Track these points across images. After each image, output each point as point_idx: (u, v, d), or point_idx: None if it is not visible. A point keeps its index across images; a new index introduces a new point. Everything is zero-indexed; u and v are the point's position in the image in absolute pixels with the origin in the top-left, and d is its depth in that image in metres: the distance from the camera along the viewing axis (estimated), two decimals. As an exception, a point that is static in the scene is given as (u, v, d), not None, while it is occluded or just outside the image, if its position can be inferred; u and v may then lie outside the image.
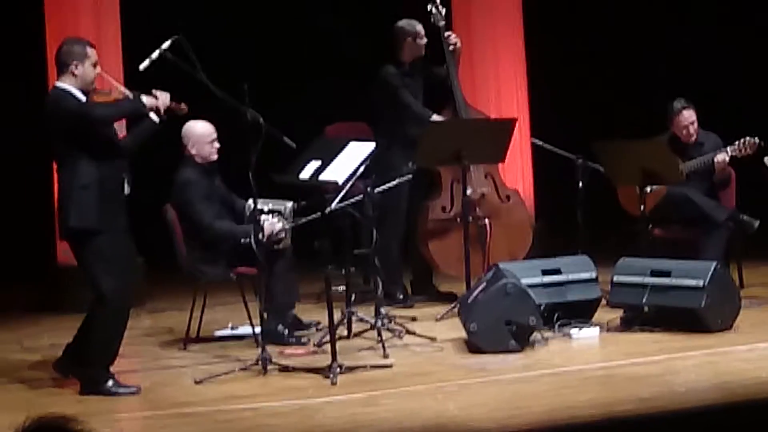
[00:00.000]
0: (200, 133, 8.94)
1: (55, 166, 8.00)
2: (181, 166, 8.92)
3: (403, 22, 10.22)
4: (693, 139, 10.17)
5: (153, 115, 7.76)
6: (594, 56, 13.24)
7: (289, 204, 8.77)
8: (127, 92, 7.89)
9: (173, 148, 8.79)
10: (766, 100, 12.34)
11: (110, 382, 7.72)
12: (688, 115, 10.17)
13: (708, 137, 10.22)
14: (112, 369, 7.80)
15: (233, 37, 11.26)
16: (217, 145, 8.95)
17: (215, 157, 8.97)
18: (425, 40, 10.20)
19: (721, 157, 9.98)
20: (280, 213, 8.71)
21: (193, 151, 8.94)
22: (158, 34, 8.15)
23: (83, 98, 7.68)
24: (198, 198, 8.84)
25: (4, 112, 11.23)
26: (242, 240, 8.56)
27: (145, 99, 7.68)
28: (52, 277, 10.41)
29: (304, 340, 8.90)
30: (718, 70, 13.02)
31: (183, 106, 7.98)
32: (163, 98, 7.83)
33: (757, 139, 9.86)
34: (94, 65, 7.76)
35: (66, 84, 7.70)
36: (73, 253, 7.91)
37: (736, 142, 9.94)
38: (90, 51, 7.77)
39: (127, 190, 7.81)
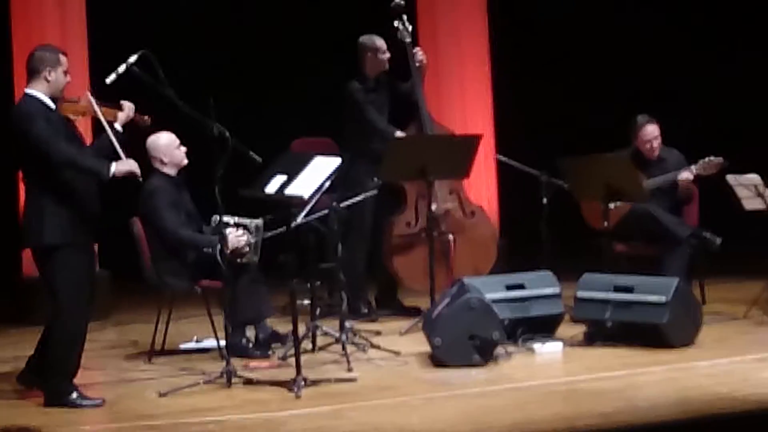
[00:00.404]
0: (167, 142, 9.02)
1: (21, 176, 7.99)
2: (149, 177, 8.93)
3: (364, 38, 10.27)
4: (656, 154, 10.24)
5: (117, 126, 7.80)
6: (560, 72, 13.30)
7: (258, 221, 8.78)
8: (95, 103, 7.89)
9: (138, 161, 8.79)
10: (732, 118, 12.39)
11: (74, 394, 7.71)
12: (652, 130, 10.22)
13: (670, 153, 10.28)
14: (76, 381, 7.78)
15: (200, 51, 11.24)
16: (183, 149, 9.00)
17: (186, 161, 9.03)
18: (388, 54, 10.24)
19: (686, 175, 10.03)
20: (245, 227, 8.72)
21: (166, 160, 9.00)
22: (125, 47, 8.16)
23: (53, 105, 7.68)
24: (164, 205, 8.86)
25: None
26: (205, 249, 8.58)
27: (113, 167, 7.65)
28: (18, 290, 10.37)
29: (270, 352, 8.93)
30: (684, 87, 13.08)
31: (146, 118, 8.01)
32: (128, 109, 7.86)
33: (721, 159, 9.92)
34: (65, 73, 7.77)
35: (36, 90, 7.69)
36: (37, 265, 7.88)
37: (701, 161, 9.99)
38: (62, 58, 7.79)
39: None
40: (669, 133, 10.35)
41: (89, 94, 8.00)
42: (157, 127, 8.29)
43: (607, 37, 13.52)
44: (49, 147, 7.55)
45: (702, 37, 13.64)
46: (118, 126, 7.81)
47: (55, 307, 7.71)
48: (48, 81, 7.71)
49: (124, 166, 7.64)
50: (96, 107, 7.89)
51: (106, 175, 7.61)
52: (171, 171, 9.03)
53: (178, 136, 8.99)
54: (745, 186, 9.67)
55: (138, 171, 7.74)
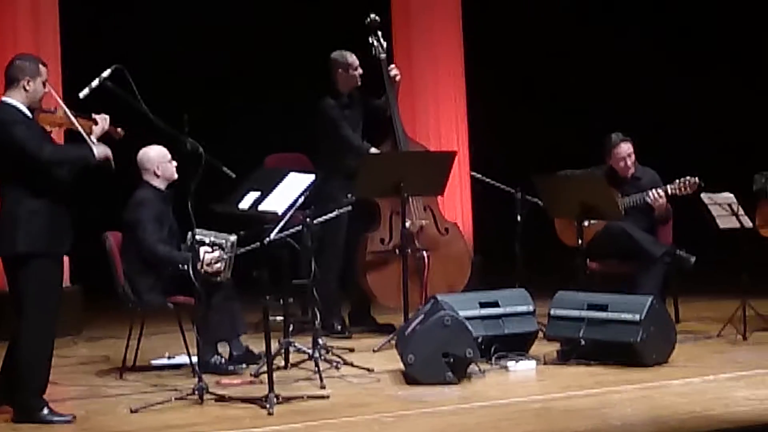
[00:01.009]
0: (160, 154, 9.04)
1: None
2: (138, 189, 8.96)
3: (335, 54, 10.29)
4: (630, 172, 10.27)
5: (93, 138, 7.80)
6: (534, 89, 13.35)
7: (232, 237, 8.77)
8: (71, 115, 7.88)
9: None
10: (707, 138, 12.47)
11: (45, 410, 7.65)
12: (626, 148, 10.26)
13: (645, 172, 10.32)
14: (45, 397, 7.72)
15: (174, 66, 11.21)
16: (174, 163, 9.01)
17: (176, 175, 9.01)
18: (360, 70, 10.26)
19: (655, 194, 10.05)
20: (221, 246, 8.71)
21: (159, 173, 9.00)
22: (98, 61, 8.16)
23: (30, 114, 7.68)
24: (149, 218, 8.86)
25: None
26: (180, 266, 8.57)
27: (96, 150, 7.69)
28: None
29: (240, 369, 8.92)
30: (658, 106, 13.15)
31: (119, 130, 7.99)
32: (102, 122, 7.85)
33: (697, 179, 9.95)
34: (44, 84, 7.77)
35: (14, 99, 7.67)
36: (7, 275, 7.87)
37: (677, 181, 10.03)
38: (42, 69, 7.78)
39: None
40: (644, 153, 10.39)
41: (64, 106, 8.00)
42: (129, 141, 8.25)
43: (580, 55, 13.65)
44: (35, 147, 7.55)
45: (674, 59, 13.77)
46: (93, 138, 7.81)
47: (24, 319, 7.70)
48: (27, 90, 7.69)
49: (104, 149, 7.68)
50: (72, 119, 7.89)
51: (94, 158, 7.64)
52: (161, 185, 9.04)
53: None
54: (720, 205, 9.70)
55: (111, 159, 7.75)
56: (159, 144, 8.92)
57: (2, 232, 7.69)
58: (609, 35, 13.78)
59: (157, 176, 9.01)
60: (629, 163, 10.25)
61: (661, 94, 13.52)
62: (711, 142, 13.02)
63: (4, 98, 7.74)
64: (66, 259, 8.49)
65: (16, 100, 7.68)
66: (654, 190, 10.07)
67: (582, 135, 11.10)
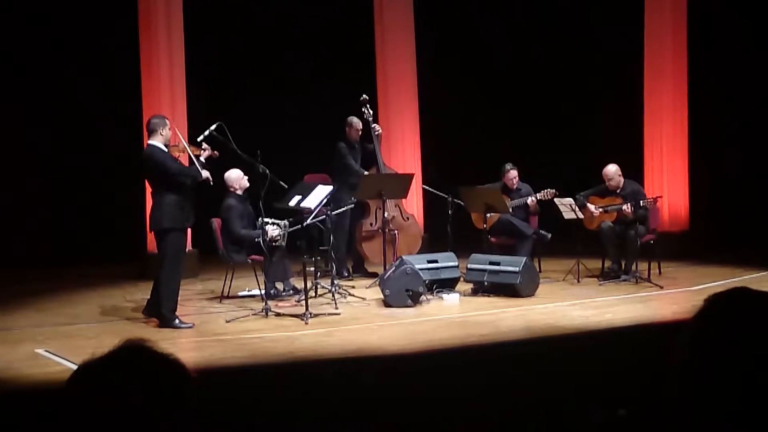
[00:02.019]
0: (238, 176, 9.01)
1: (149, 190, 8.05)
2: (226, 197, 8.97)
3: (349, 118, 10.27)
4: (515, 186, 10.24)
5: (202, 159, 7.84)
6: (465, 130, 13.03)
7: (285, 221, 8.80)
8: (187, 145, 7.89)
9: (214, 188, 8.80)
10: (568, 158, 12.22)
11: (176, 320, 7.75)
12: (514, 174, 10.17)
13: (524, 186, 10.22)
14: (177, 312, 7.81)
15: (251, 122, 11.09)
16: (246, 178, 9.00)
17: (247, 185, 8.99)
18: (360, 128, 10.26)
19: (531, 200, 10.05)
20: (279, 226, 8.75)
21: (236, 186, 8.98)
22: (209, 116, 8.21)
23: (165, 149, 7.73)
24: (233, 216, 8.87)
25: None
26: (255, 240, 8.62)
27: (203, 172, 7.74)
28: (144, 259, 10.35)
29: (289, 297, 8.90)
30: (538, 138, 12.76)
31: (216, 152, 8.01)
32: (207, 150, 7.90)
33: (554, 190, 9.93)
34: (170, 129, 7.82)
35: (155, 142, 7.75)
36: (156, 241, 7.93)
37: (542, 191, 9.98)
38: (166, 121, 7.85)
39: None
40: (524, 172, 10.35)
41: (184, 141, 8.01)
42: (223, 160, 8.27)
43: (502, 99, 13.13)
44: (168, 165, 7.64)
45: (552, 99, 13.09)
46: (202, 159, 7.87)
47: (163, 268, 7.75)
48: (162, 135, 7.76)
49: (206, 174, 7.76)
50: (188, 148, 7.92)
51: (201, 176, 7.72)
52: (239, 192, 9.03)
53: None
54: (565, 205, 9.75)
55: (211, 178, 7.81)
56: (237, 167, 8.89)
57: (153, 216, 7.78)
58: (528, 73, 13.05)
59: (236, 188, 9.03)
60: (515, 182, 10.15)
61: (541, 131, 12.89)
62: (563, 163, 12.48)
63: (149, 141, 7.81)
64: (189, 231, 8.51)
65: (157, 142, 7.74)
66: (530, 198, 10.04)
67: (490, 161, 10.86)
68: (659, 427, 1.65)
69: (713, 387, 1.60)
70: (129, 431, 1.62)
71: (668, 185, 11.47)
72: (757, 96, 11.91)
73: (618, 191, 9.72)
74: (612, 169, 9.73)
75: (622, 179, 9.77)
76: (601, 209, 9.67)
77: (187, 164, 7.99)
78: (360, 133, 10.27)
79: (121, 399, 1.63)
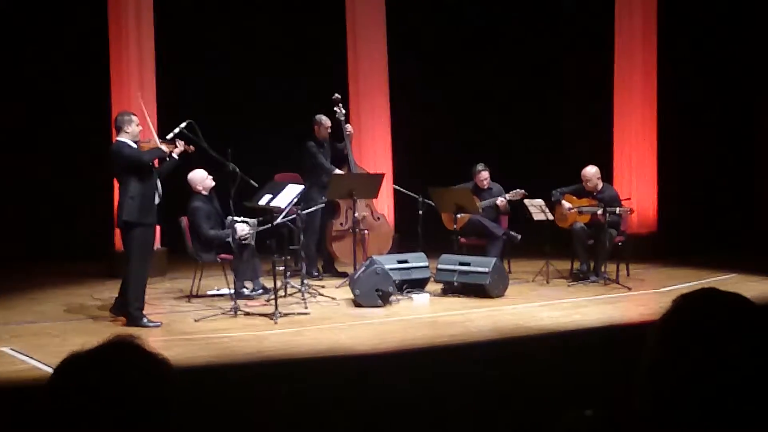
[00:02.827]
0: (202, 176, 8.96)
1: (116, 184, 8.02)
2: (192, 198, 8.92)
3: (317, 116, 10.25)
4: (486, 186, 10.25)
5: (174, 155, 7.82)
6: (436, 132, 13.02)
7: (254, 220, 8.79)
8: (159, 142, 7.88)
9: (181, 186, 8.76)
10: (540, 158, 12.27)
11: (144, 319, 7.71)
12: (485, 175, 10.18)
13: (495, 186, 10.25)
14: (144, 311, 7.78)
15: (222, 120, 11.01)
16: (210, 177, 8.96)
17: (213, 184, 8.95)
18: (330, 127, 10.23)
19: (500, 200, 10.07)
20: (247, 223, 8.73)
21: (200, 188, 8.93)
22: (181, 113, 8.16)
23: (134, 146, 7.69)
24: (201, 217, 8.82)
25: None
26: (225, 239, 8.58)
27: (164, 148, 7.76)
28: (112, 257, 10.26)
29: (258, 296, 8.87)
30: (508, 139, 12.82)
31: (191, 147, 7.99)
32: (180, 145, 7.86)
33: (523, 191, 9.96)
34: (137, 125, 7.78)
35: (123, 138, 7.71)
36: (121, 237, 7.90)
37: (512, 191, 10.01)
38: (133, 117, 7.81)
39: (157, 199, 7.79)
40: (496, 171, 10.36)
41: (156, 137, 7.99)
42: (193, 158, 8.22)
43: (467, 109, 13.20)
44: (139, 154, 7.65)
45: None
46: (174, 155, 7.84)
47: (130, 265, 7.71)
48: (128, 132, 7.72)
49: (179, 148, 7.80)
50: (160, 144, 7.88)
51: (167, 153, 7.74)
52: (205, 192, 8.99)
53: (208, 170, 8.95)
54: (535, 206, 9.77)
55: (191, 147, 7.88)
56: (201, 167, 8.84)
57: (119, 210, 7.73)
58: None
59: (200, 189, 8.96)
60: (486, 183, 10.20)
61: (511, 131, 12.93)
62: (536, 165, 12.58)
63: (117, 138, 7.77)
64: (158, 229, 8.44)
65: (125, 138, 7.70)
66: (500, 198, 10.07)
67: (457, 162, 10.92)
68: (627, 428, 1.64)
69: (681, 388, 1.60)
70: (113, 426, 1.61)
71: (637, 187, 11.54)
72: (727, 97, 12.01)
73: (595, 194, 9.74)
74: (591, 171, 9.72)
75: (600, 182, 9.78)
76: (575, 209, 9.70)
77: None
78: (329, 131, 10.24)
79: (106, 395, 1.62)
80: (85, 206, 11.11)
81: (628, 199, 10.09)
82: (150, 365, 1.70)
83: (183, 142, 7.88)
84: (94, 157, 10.04)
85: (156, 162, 7.88)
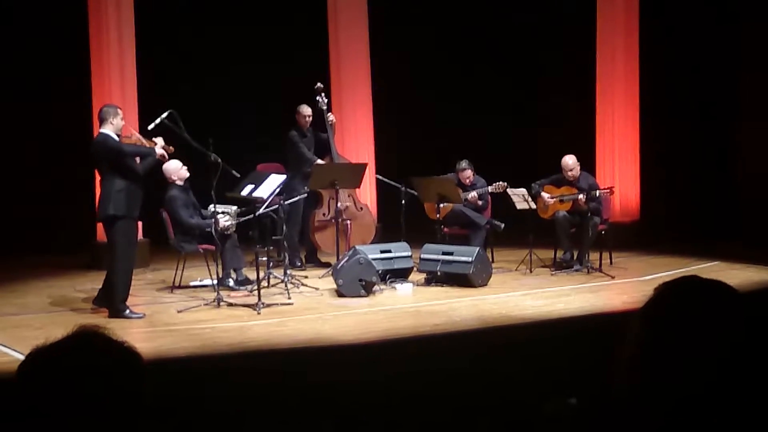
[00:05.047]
0: (176, 166, 8.89)
1: (98, 177, 7.97)
2: (168, 188, 8.88)
3: (299, 106, 10.25)
4: (469, 181, 10.22)
5: (157, 153, 7.80)
6: (420, 122, 13.03)
7: (234, 208, 8.77)
8: (141, 137, 7.87)
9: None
10: (521, 146, 12.30)
11: (127, 311, 7.70)
12: (468, 173, 10.14)
13: (478, 179, 10.21)
14: (127, 302, 7.77)
15: (204, 110, 10.94)
16: (185, 168, 8.90)
17: (187, 175, 8.90)
18: (311, 116, 10.22)
19: (471, 195, 9.97)
20: (230, 215, 8.71)
21: (175, 177, 8.88)
22: (162, 104, 8.12)
23: (117, 138, 7.67)
24: (179, 206, 8.78)
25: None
26: (206, 229, 8.57)
27: (157, 150, 7.71)
28: (93, 249, 10.25)
29: (241, 287, 8.84)
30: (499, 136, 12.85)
31: (171, 148, 7.97)
32: (160, 142, 7.85)
33: (505, 183, 9.95)
34: (122, 119, 7.75)
35: (106, 130, 7.67)
36: (105, 231, 7.87)
37: (494, 184, 10.00)
38: (119, 111, 7.77)
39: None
40: (475, 163, 10.37)
41: (137, 133, 7.98)
42: (175, 148, 8.20)
43: (449, 99, 13.12)
44: (122, 147, 7.60)
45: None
46: (157, 151, 7.82)
47: (114, 257, 7.69)
48: (112, 124, 7.68)
49: (160, 151, 7.75)
50: (142, 140, 7.87)
51: (155, 153, 7.71)
52: (180, 182, 8.93)
53: (188, 161, 8.88)
54: (517, 195, 9.81)
55: (166, 154, 7.83)
56: (178, 158, 8.72)
57: (101, 204, 7.70)
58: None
59: (175, 179, 8.92)
60: (469, 180, 10.11)
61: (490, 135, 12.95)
62: (517, 159, 12.59)
63: (101, 130, 7.74)
64: (140, 223, 8.42)
65: (108, 131, 7.67)
66: (471, 194, 10.05)
67: (451, 154, 10.88)
68: (610, 416, 1.66)
69: (663, 375, 1.61)
70: (81, 420, 1.60)
71: (620, 175, 11.59)
72: (710, 84, 12.04)
73: (573, 182, 9.77)
74: (570, 161, 9.74)
75: (578, 169, 9.79)
76: (555, 199, 9.73)
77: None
78: (309, 119, 10.24)
79: (73, 386, 1.61)
80: (66, 198, 11.05)
81: (611, 187, 10.11)
82: (116, 355, 1.69)
83: (161, 139, 7.85)
84: (75, 149, 9.98)
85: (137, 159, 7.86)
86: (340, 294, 8.51)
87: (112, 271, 7.71)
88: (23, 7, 11.20)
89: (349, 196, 10.36)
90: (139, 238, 8.67)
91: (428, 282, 9.06)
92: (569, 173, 9.73)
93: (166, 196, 8.82)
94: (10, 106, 11.35)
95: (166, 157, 7.86)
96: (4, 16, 11.16)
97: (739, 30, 11.84)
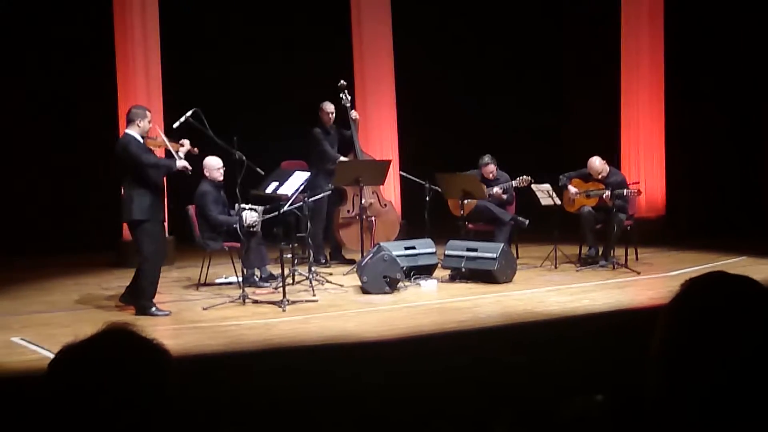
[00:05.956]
0: (213, 164, 8.93)
1: (121, 179, 7.97)
2: (201, 182, 8.92)
3: (322, 103, 10.28)
4: (492, 176, 10.20)
5: (181, 154, 7.80)
6: (441, 120, 13.02)
7: (261, 207, 8.79)
8: (166, 140, 7.89)
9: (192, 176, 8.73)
10: (546, 143, 12.26)
11: (153, 308, 7.74)
12: (492, 168, 10.15)
13: (501, 174, 10.25)
14: (154, 300, 7.81)
15: (228, 107, 10.97)
16: (222, 170, 8.94)
17: (221, 178, 8.95)
18: (331, 111, 10.22)
19: (496, 190, 9.97)
20: (255, 211, 8.73)
21: (208, 175, 8.94)
22: (186, 103, 8.15)
23: (141, 140, 7.69)
24: (209, 202, 8.83)
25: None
26: (233, 226, 8.60)
27: (178, 162, 7.72)
28: (119, 248, 10.30)
29: (266, 284, 8.87)
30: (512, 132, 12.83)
31: (195, 149, 8.00)
32: (186, 144, 7.87)
33: (529, 177, 9.95)
34: (149, 121, 7.78)
35: (132, 131, 7.70)
36: (130, 232, 7.91)
37: (518, 178, 10.01)
38: (148, 114, 7.80)
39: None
40: (500, 159, 10.33)
41: (162, 134, 8.00)
42: (199, 147, 8.20)
43: (474, 95, 13.10)
44: (142, 157, 7.59)
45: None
46: (180, 154, 7.83)
47: (142, 257, 7.73)
48: (139, 126, 7.71)
49: (183, 163, 7.74)
50: (167, 142, 7.89)
51: (175, 166, 7.71)
52: (213, 179, 8.97)
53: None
54: (542, 191, 9.79)
55: (189, 168, 7.80)
56: (216, 155, 8.83)
57: (125, 206, 7.73)
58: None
59: (211, 175, 8.95)
60: (493, 174, 10.14)
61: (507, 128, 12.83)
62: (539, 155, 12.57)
63: (126, 131, 7.77)
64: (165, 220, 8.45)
65: (134, 132, 7.69)
66: (496, 188, 10.03)
67: (470, 151, 10.86)
68: (638, 414, 1.64)
69: (690, 372, 1.60)
70: (110, 416, 1.60)
71: (645, 171, 11.51)
72: (736, 79, 11.95)
73: (602, 178, 9.73)
74: (598, 164, 9.73)
75: (607, 168, 9.77)
76: (581, 193, 9.70)
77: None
78: (332, 116, 10.25)
79: (102, 383, 1.61)
80: (93, 197, 11.11)
81: (637, 182, 10.07)
82: (145, 351, 1.69)
83: (188, 142, 7.87)
84: (101, 148, 10.02)
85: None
86: (364, 291, 8.51)
87: (141, 273, 7.76)
88: (49, 7, 11.26)
89: (373, 193, 10.37)
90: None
91: (452, 278, 9.05)
92: (598, 177, 9.72)
93: (198, 190, 8.86)
94: (39, 107, 11.42)
95: (189, 169, 7.84)
96: (29, 17, 11.23)
97: (766, 23, 11.72)
